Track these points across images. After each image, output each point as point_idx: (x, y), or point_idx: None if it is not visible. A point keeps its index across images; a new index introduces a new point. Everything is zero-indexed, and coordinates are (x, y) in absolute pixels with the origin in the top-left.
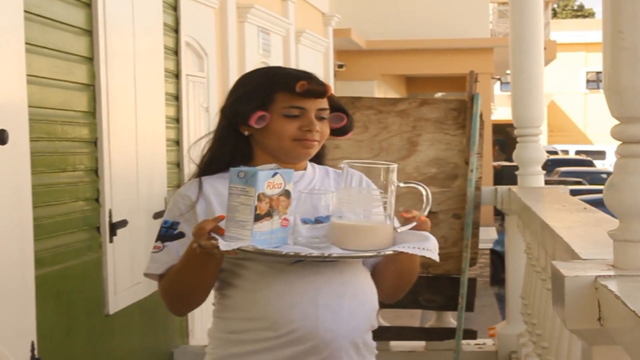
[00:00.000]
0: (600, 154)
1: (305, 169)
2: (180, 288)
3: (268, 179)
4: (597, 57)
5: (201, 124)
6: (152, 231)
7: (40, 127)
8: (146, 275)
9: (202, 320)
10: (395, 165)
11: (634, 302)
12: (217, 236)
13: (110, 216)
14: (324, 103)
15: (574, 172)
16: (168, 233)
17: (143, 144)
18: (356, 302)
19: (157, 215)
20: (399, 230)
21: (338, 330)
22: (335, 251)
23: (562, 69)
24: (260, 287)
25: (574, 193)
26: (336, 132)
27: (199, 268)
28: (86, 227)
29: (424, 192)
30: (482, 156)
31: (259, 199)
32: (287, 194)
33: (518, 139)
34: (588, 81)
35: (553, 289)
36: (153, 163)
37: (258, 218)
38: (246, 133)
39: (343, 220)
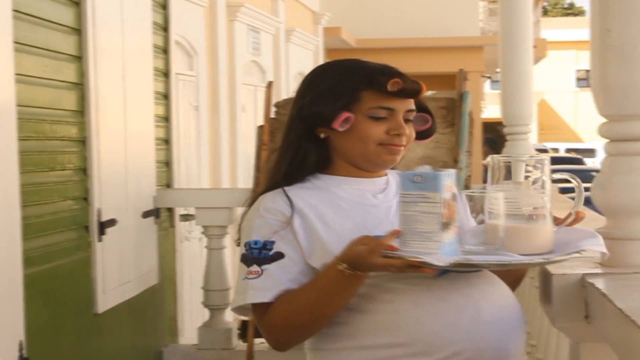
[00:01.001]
0: (591, 152)
1: (386, 175)
2: (312, 318)
3: (446, 182)
4: (587, 55)
5: (191, 122)
6: (141, 230)
7: (29, 126)
8: (238, 308)
9: (191, 319)
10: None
11: (621, 300)
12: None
13: (99, 215)
14: (412, 104)
15: (564, 170)
16: (262, 254)
17: (132, 142)
18: (517, 315)
19: (146, 214)
20: (556, 228)
21: (509, 347)
22: (540, 257)
23: (553, 67)
24: (403, 307)
25: (564, 191)
26: (418, 136)
27: (341, 293)
28: (75, 226)
29: (575, 184)
30: (472, 154)
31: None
32: (455, 197)
33: (507, 137)
34: (578, 79)
35: (541, 287)
36: (142, 162)
37: (444, 227)
38: (322, 136)
39: (501, 221)
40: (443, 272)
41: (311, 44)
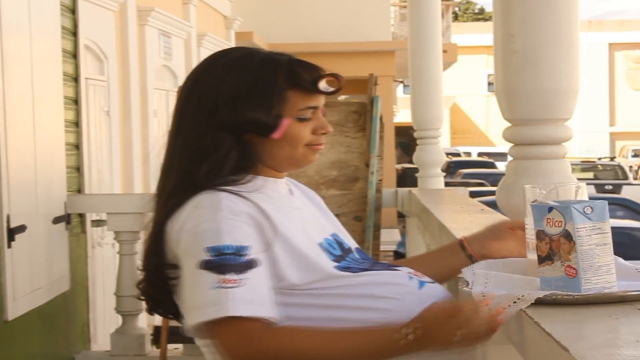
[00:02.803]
0: (502, 156)
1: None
2: None
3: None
4: None
5: (102, 127)
6: (52, 236)
7: None
8: (212, 322)
9: (104, 325)
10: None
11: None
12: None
13: (8, 221)
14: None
15: (476, 174)
16: (238, 261)
17: (41, 148)
18: None
19: (57, 219)
20: None
21: None
22: None
23: (464, 72)
24: (397, 317)
25: (474, 195)
26: None
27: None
28: None
29: None
30: (383, 158)
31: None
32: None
33: (418, 141)
34: (490, 84)
35: (448, 290)
36: (52, 167)
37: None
38: (246, 138)
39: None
40: (422, 283)
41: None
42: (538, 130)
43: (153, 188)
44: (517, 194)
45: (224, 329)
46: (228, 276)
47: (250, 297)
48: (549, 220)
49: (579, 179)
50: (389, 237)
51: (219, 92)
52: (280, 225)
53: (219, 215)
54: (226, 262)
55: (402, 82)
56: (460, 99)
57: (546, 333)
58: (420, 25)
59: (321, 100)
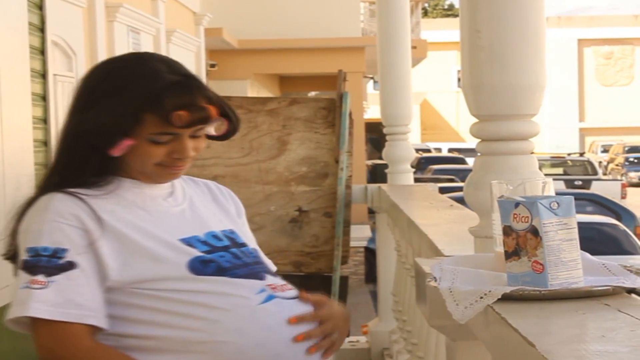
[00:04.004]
0: (473, 152)
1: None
2: None
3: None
4: None
5: None
6: None
7: None
8: (14, 320)
9: None
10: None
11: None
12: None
13: None
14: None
15: (446, 170)
16: (52, 263)
17: (9, 144)
18: None
19: None
20: None
21: None
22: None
23: (434, 68)
24: (224, 332)
25: (444, 190)
26: (219, 137)
27: None
28: None
29: None
30: (352, 154)
31: None
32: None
33: (387, 137)
34: (459, 79)
35: (416, 285)
36: (20, 164)
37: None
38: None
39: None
40: (269, 298)
41: (192, 45)
42: (505, 125)
43: None
44: (484, 189)
45: (37, 328)
46: (37, 277)
47: (57, 299)
48: (515, 216)
49: (548, 175)
50: (360, 233)
51: (89, 96)
52: (116, 224)
53: (43, 217)
54: (39, 263)
55: (372, 78)
56: (430, 95)
57: (513, 328)
58: (389, 21)
59: (186, 130)
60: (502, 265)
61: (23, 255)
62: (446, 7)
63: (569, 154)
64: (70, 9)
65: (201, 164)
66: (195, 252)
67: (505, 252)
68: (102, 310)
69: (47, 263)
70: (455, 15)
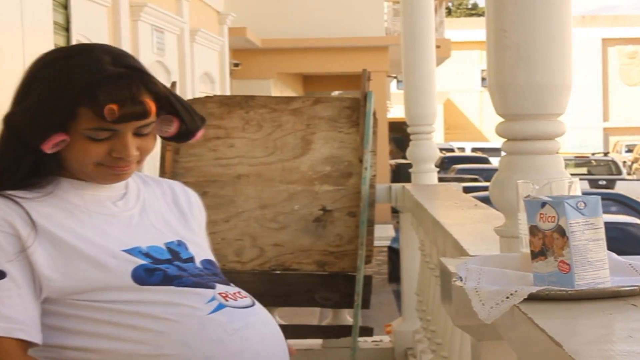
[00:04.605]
0: (496, 151)
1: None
2: None
3: None
4: None
5: None
6: None
7: None
8: None
9: None
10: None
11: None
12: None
13: None
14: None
15: (470, 169)
16: None
17: None
18: (285, 356)
19: None
20: None
21: None
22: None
23: (458, 67)
24: (170, 345)
25: (468, 190)
26: (173, 137)
27: None
28: None
29: None
30: (376, 154)
31: None
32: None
33: (411, 137)
34: (483, 79)
35: (441, 285)
36: None
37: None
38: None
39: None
40: (219, 307)
41: (216, 44)
42: (531, 125)
43: None
44: (510, 189)
45: None
46: None
47: None
48: (541, 216)
49: (572, 175)
50: (383, 233)
51: (28, 89)
52: (54, 229)
53: None
54: None
55: (395, 77)
56: (453, 94)
57: (539, 329)
58: (413, 21)
59: (129, 125)
60: (528, 265)
61: None
62: (470, 6)
63: (593, 154)
64: (95, 8)
65: (225, 163)
66: (139, 261)
67: (532, 252)
68: (35, 322)
69: None
70: (479, 15)
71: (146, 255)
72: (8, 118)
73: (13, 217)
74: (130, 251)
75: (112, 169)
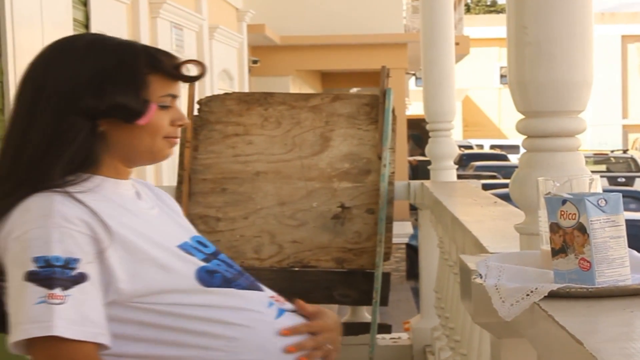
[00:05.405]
0: (515, 149)
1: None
2: None
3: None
4: None
5: None
6: None
7: None
8: (33, 340)
9: None
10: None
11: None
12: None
13: None
14: None
15: (488, 167)
16: (65, 275)
17: None
18: None
19: None
20: None
21: None
22: None
23: (476, 64)
24: (246, 351)
25: (486, 187)
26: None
27: None
28: None
29: None
30: (395, 151)
31: None
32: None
33: (430, 134)
34: (502, 76)
35: (461, 282)
36: None
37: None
38: (101, 129)
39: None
40: (281, 312)
41: (235, 41)
42: (551, 122)
43: (165, 180)
44: (530, 186)
45: (44, 349)
46: (55, 291)
47: (75, 316)
48: (562, 213)
49: (591, 172)
50: (402, 230)
51: (76, 76)
52: (122, 230)
53: (49, 222)
54: (53, 275)
55: (414, 74)
56: (472, 91)
57: (560, 326)
58: (432, 18)
59: (179, 89)
60: (548, 262)
61: (27, 266)
62: (489, 3)
63: (612, 151)
64: (114, 5)
65: (244, 160)
66: (198, 261)
67: (552, 249)
68: (107, 326)
69: (61, 275)
70: (498, 12)
71: (195, 249)
72: (89, 108)
73: (86, 218)
74: (183, 246)
75: (172, 140)
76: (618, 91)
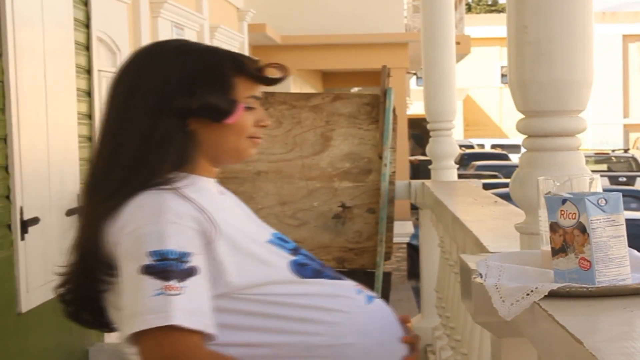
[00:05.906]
0: (516, 148)
1: None
2: None
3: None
4: None
5: None
6: (65, 228)
7: None
8: (147, 331)
9: None
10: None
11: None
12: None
13: (21, 213)
14: None
15: (489, 166)
16: (180, 267)
17: (55, 140)
18: None
19: (70, 212)
20: None
21: None
22: None
23: (477, 64)
24: (349, 334)
25: (487, 187)
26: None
27: None
28: None
29: None
30: (396, 150)
31: None
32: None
33: (431, 134)
34: (503, 75)
35: (461, 282)
36: (65, 160)
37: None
38: (190, 128)
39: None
40: (370, 298)
41: (236, 41)
42: (552, 121)
43: None
44: (530, 186)
45: (159, 339)
46: (171, 283)
47: (191, 306)
48: (562, 212)
49: (592, 171)
50: (402, 230)
51: (168, 79)
52: (224, 226)
53: (163, 218)
54: (169, 267)
55: (415, 74)
56: (473, 91)
57: (560, 325)
58: (433, 17)
59: (260, 91)
60: (548, 262)
61: (143, 260)
62: (490, 2)
63: (613, 151)
64: (115, 5)
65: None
66: (288, 255)
67: (552, 248)
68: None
69: (176, 267)
70: (499, 11)
71: (279, 246)
72: (182, 108)
73: (196, 214)
74: (272, 242)
75: (255, 140)
76: (619, 90)
